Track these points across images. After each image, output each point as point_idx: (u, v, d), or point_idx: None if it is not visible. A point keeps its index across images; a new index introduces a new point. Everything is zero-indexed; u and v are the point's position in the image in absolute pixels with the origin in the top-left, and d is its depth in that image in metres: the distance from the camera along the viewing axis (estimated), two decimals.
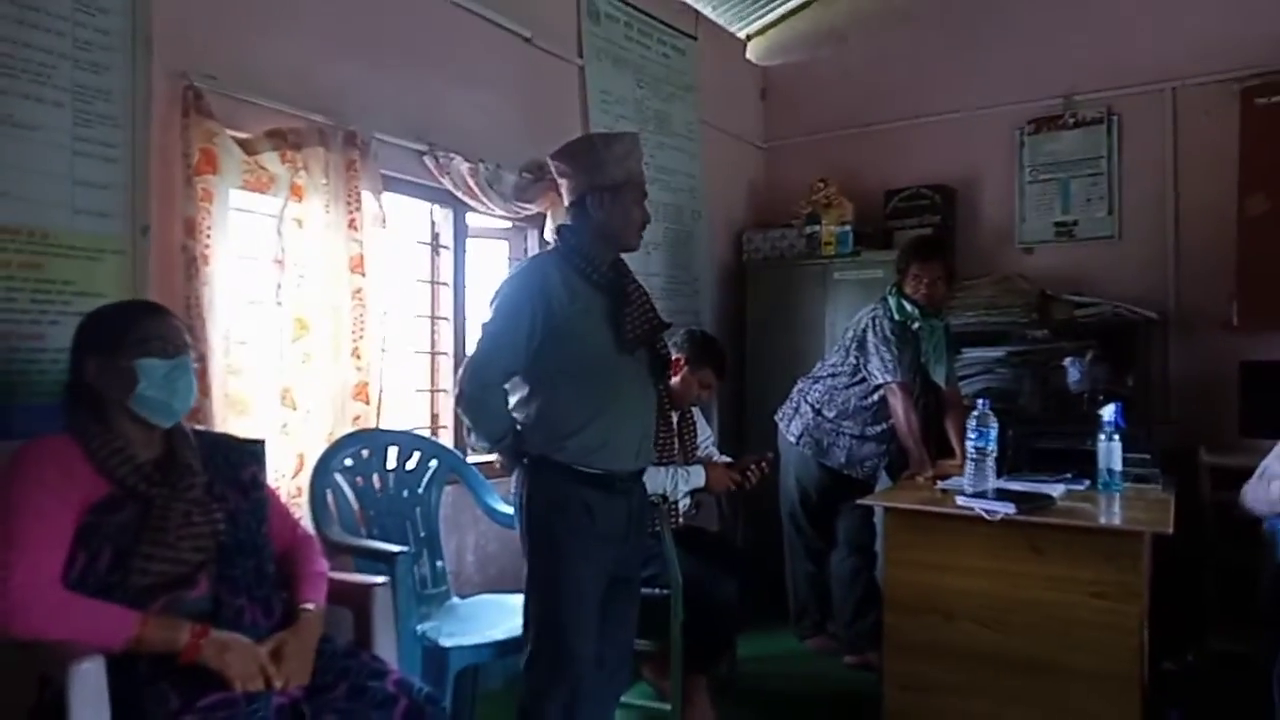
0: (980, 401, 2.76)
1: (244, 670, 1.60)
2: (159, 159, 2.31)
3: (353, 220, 2.69)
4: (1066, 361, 3.78)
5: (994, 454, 2.74)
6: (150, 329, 1.73)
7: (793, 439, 3.53)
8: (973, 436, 2.74)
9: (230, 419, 2.44)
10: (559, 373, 2.08)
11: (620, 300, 2.14)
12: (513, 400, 2.15)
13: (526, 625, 2.15)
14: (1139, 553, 2.38)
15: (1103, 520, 2.54)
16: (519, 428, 2.14)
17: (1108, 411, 2.91)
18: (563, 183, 2.21)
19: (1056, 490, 2.78)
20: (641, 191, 2.19)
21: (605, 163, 2.14)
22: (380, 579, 1.97)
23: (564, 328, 2.07)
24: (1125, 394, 3.44)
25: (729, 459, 3.18)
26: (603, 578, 2.15)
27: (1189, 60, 3.85)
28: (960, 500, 2.60)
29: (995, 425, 2.74)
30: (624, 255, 2.27)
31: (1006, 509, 2.48)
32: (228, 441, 1.92)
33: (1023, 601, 2.48)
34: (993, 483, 2.73)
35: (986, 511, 2.50)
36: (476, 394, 2.11)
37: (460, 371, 2.15)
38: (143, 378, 1.69)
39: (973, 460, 2.74)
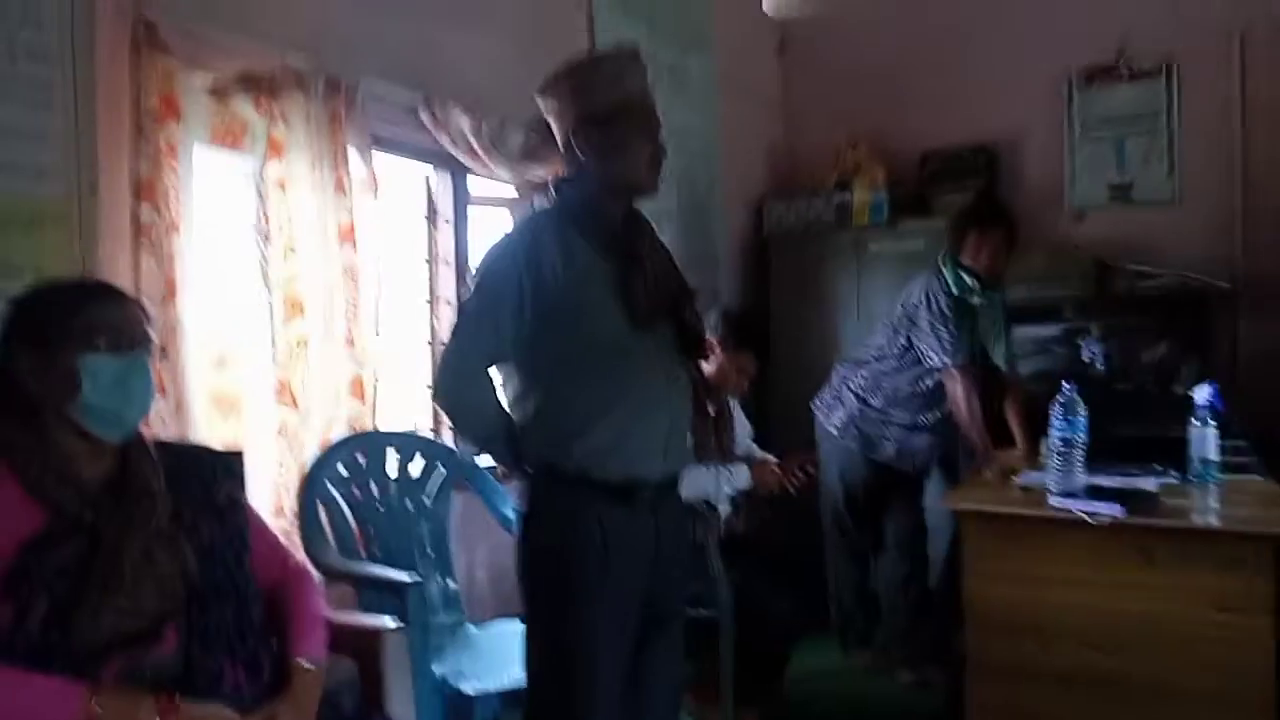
0: (1066, 385, 2.42)
1: None
2: (107, 104, 1.89)
3: (340, 182, 2.28)
4: (1082, 341, 3.48)
5: (1083, 445, 2.40)
6: (99, 317, 1.34)
7: (835, 430, 3.17)
8: (1059, 425, 2.39)
9: (215, 422, 2.05)
10: (557, 360, 1.66)
11: (630, 262, 1.69)
12: (507, 397, 1.73)
13: (528, 693, 1.72)
14: (1267, 558, 2.05)
15: (1214, 521, 2.21)
16: (517, 430, 1.72)
17: (1201, 394, 2.58)
18: (553, 123, 1.76)
19: (1151, 484, 2.45)
20: (646, 118, 1.72)
21: (592, 86, 1.68)
22: (392, 622, 1.59)
23: (561, 302, 1.64)
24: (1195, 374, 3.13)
25: (774, 457, 2.80)
26: (628, 621, 1.71)
27: (1257, 1, 3.51)
28: (1054, 501, 2.26)
29: (1084, 412, 2.40)
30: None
31: (1113, 510, 2.15)
32: (196, 453, 1.53)
33: (1133, 616, 2.16)
34: (1082, 478, 2.40)
35: (1089, 514, 2.16)
36: (453, 387, 1.71)
37: (439, 361, 1.77)
38: (87, 380, 1.30)
39: (1059, 453, 2.40)
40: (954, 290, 2.94)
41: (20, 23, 1.75)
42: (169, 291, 1.91)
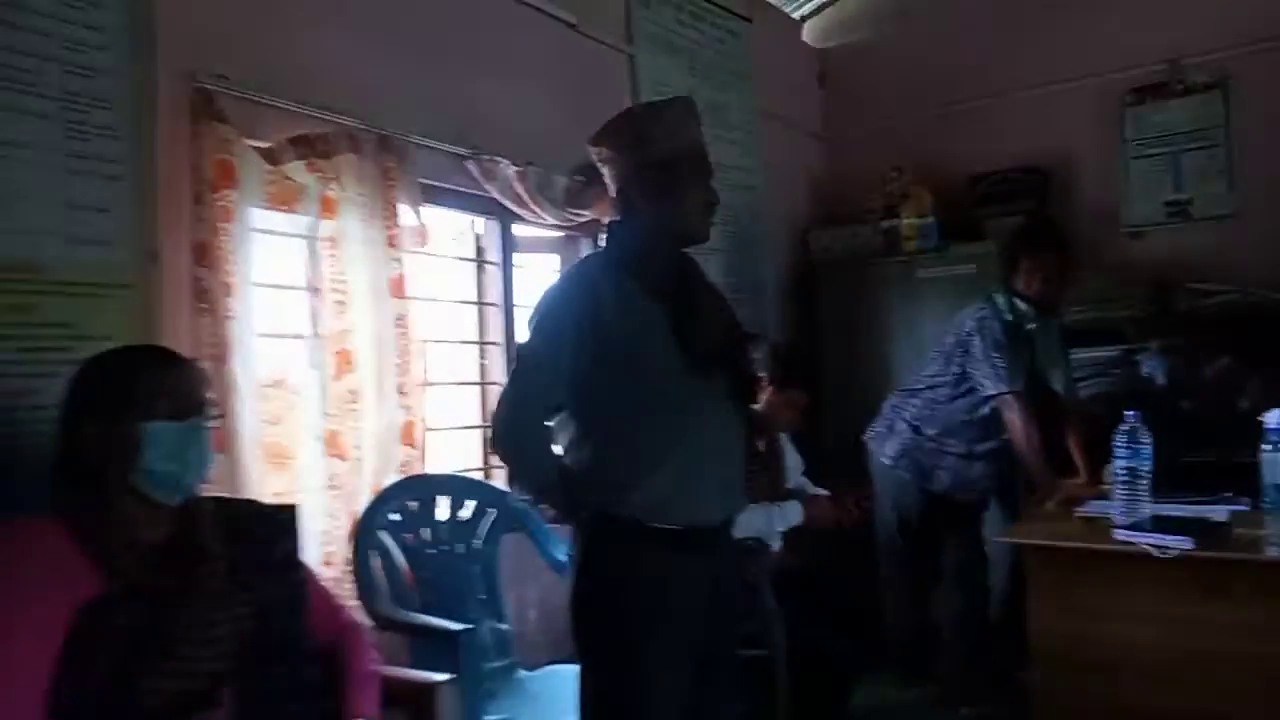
0: (1129, 413, 2.36)
1: None
2: (167, 175, 1.98)
3: (391, 237, 2.34)
4: (1142, 358, 3.38)
5: (1149, 474, 2.33)
6: (160, 384, 1.39)
7: (888, 461, 3.12)
8: (1123, 453, 2.33)
9: (267, 476, 2.10)
10: (614, 406, 1.67)
11: (686, 308, 1.71)
12: (562, 443, 1.74)
13: None
14: None
15: None
16: (574, 476, 1.72)
17: (1272, 418, 2.48)
18: (606, 170, 1.79)
19: (1221, 513, 2.37)
20: (702, 166, 1.75)
21: (651, 136, 1.71)
22: (443, 676, 1.61)
23: (617, 348, 1.66)
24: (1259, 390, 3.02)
25: (826, 491, 2.78)
26: (685, 664, 1.69)
27: None
28: (1119, 534, 2.19)
29: (1150, 440, 2.33)
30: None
31: (1182, 543, 2.07)
32: (252, 510, 1.58)
33: (1204, 653, 2.07)
34: (1148, 509, 2.32)
35: (1156, 547, 2.09)
36: (512, 436, 1.72)
37: (495, 408, 1.78)
38: (149, 446, 1.34)
39: (1123, 482, 2.33)
40: (1007, 317, 2.89)
41: (90, 104, 1.85)
42: (226, 351, 1.97)
